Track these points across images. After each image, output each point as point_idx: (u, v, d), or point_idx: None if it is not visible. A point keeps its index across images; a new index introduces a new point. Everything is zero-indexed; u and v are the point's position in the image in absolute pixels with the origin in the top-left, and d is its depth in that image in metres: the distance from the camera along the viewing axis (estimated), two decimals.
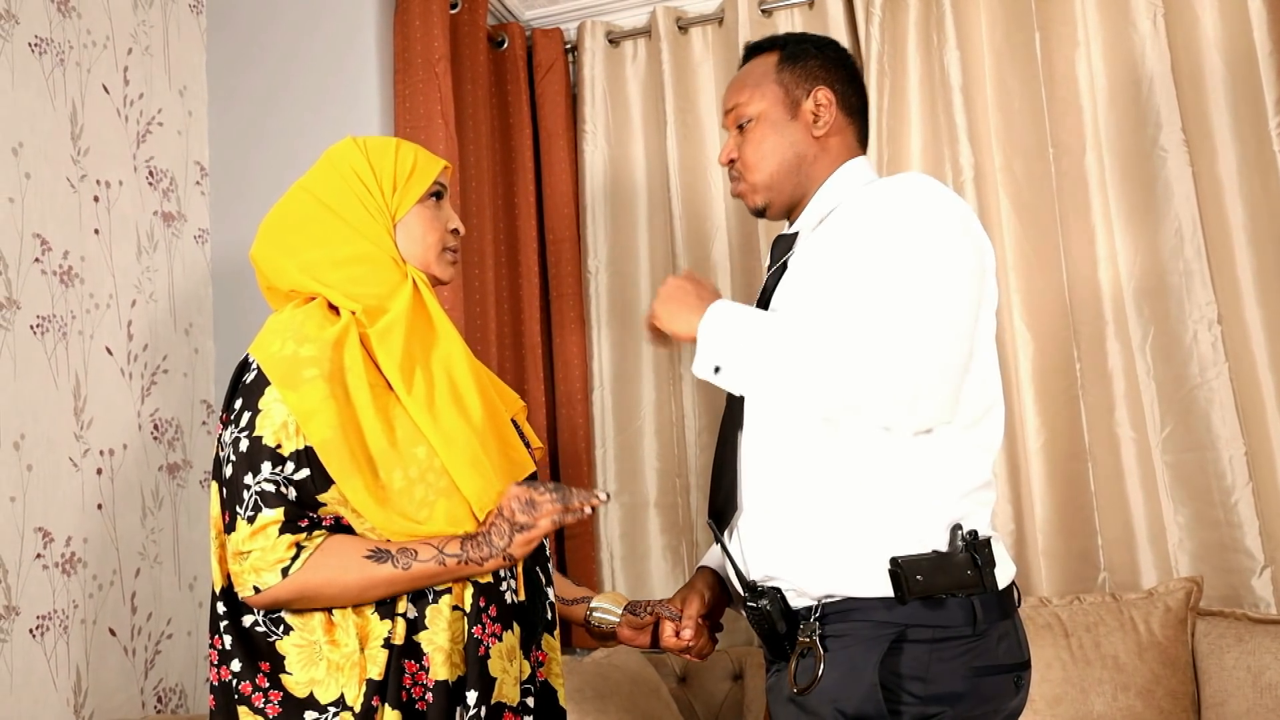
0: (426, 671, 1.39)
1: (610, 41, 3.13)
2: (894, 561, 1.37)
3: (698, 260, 2.97)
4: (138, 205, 2.46)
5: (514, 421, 1.65)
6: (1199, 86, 2.60)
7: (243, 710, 1.38)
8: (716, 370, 1.43)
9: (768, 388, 1.42)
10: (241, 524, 1.37)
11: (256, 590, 1.37)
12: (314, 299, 1.51)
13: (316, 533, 1.38)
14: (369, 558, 1.37)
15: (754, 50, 1.67)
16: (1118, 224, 2.65)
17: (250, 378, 1.43)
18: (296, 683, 1.38)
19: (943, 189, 1.48)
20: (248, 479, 1.38)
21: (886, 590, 1.38)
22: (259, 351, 1.44)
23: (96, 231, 2.34)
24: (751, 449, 1.51)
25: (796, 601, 1.45)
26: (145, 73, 2.53)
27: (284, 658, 1.39)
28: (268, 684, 1.38)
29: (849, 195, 1.54)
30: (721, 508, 1.54)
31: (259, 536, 1.36)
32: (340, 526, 1.41)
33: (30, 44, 2.23)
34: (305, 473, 1.38)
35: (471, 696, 1.39)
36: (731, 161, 1.63)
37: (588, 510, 1.41)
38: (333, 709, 1.36)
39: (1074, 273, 2.67)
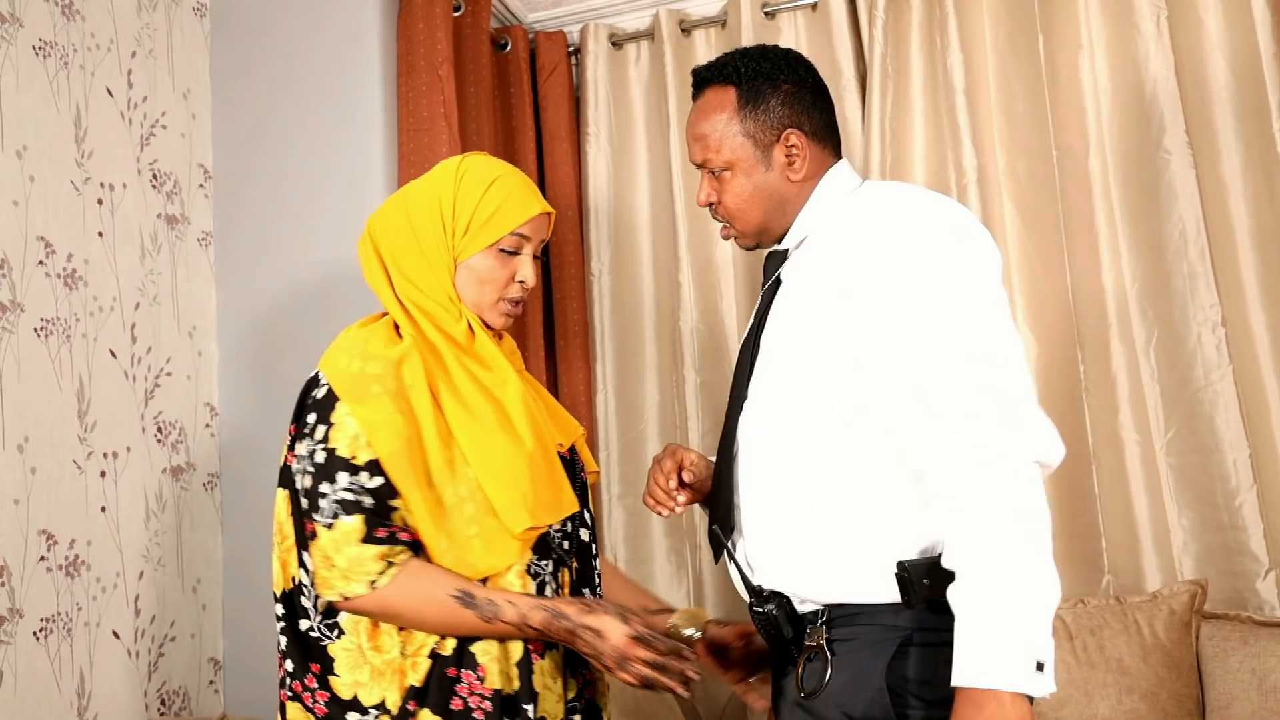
0: (482, 681, 1.43)
1: (613, 44, 3.13)
2: (901, 566, 1.37)
3: (700, 263, 2.97)
4: (141, 208, 2.47)
5: (573, 446, 1.68)
6: (1202, 88, 2.59)
7: (293, 707, 1.46)
8: (1040, 666, 1.27)
9: (1030, 585, 1.31)
10: (322, 530, 1.41)
11: (345, 598, 1.41)
12: (382, 316, 1.59)
13: (400, 548, 1.42)
14: (456, 598, 1.41)
15: (704, 81, 1.58)
16: (1121, 226, 2.64)
17: (321, 393, 1.48)
18: (343, 684, 1.43)
19: (942, 208, 1.45)
20: (324, 488, 1.42)
21: (893, 595, 1.38)
22: (328, 368, 1.49)
23: (100, 234, 2.34)
24: (751, 457, 1.50)
25: (803, 606, 1.45)
26: (149, 76, 2.54)
27: (333, 660, 1.44)
28: (316, 684, 1.44)
29: (835, 207, 1.53)
30: (724, 516, 1.53)
31: (345, 545, 1.40)
32: (417, 544, 1.45)
33: (34, 47, 2.23)
34: (379, 480, 1.43)
35: (529, 709, 1.44)
36: (711, 204, 1.58)
37: (667, 694, 1.42)
38: (374, 712, 1.41)
39: (1077, 275, 2.67)
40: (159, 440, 2.44)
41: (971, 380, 1.32)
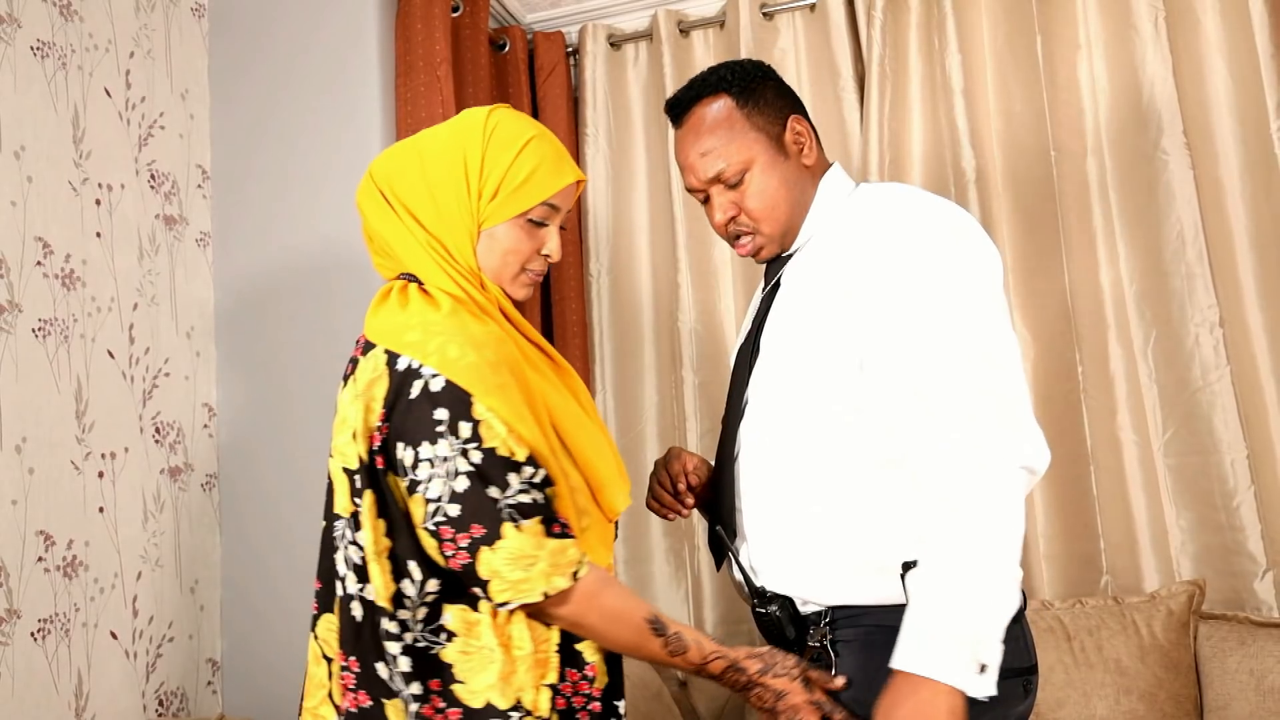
0: (590, 681, 1.36)
1: (612, 44, 3.13)
2: (905, 566, 1.37)
3: (699, 264, 2.97)
4: (139, 208, 2.46)
5: None
6: (1200, 89, 2.60)
7: None
8: (983, 669, 1.27)
9: (994, 584, 1.29)
10: (512, 532, 1.28)
11: (547, 595, 1.29)
12: (417, 286, 1.42)
13: (574, 542, 1.32)
14: (650, 624, 1.34)
15: (690, 101, 1.54)
16: (1119, 227, 2.65)
17: (437, 385, 1.30)
18: (471, 692, 1.29)
19: (943, 210, 1.45)
20: (493, 492, 1.29)
21: (896, 596, 1.38)
22: (433, 358, 1.31)
23: (98, 235, 2.34)
24: (752, 460, 1.50)
25: (805, 608, 1.45)
26: (147, 76, 2.53)
27: (449, 666, 1.30)
28: (444, 703, 1.30)
29: (834, 209, 1.54)
30: (726, 519, 1.53)
31: (542, 542, 1.29)
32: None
33: (32, 47, 2.23)
34: (542, 472, 1.32)
35: (621, 705, 1.39)
36: (731, 218, 1.53)
37: None
38: (514, 714, 1.29)
39: (1075, 276, 2.67)
40: (157, 441, 2.43)
41: (973, 381, 1.33)
